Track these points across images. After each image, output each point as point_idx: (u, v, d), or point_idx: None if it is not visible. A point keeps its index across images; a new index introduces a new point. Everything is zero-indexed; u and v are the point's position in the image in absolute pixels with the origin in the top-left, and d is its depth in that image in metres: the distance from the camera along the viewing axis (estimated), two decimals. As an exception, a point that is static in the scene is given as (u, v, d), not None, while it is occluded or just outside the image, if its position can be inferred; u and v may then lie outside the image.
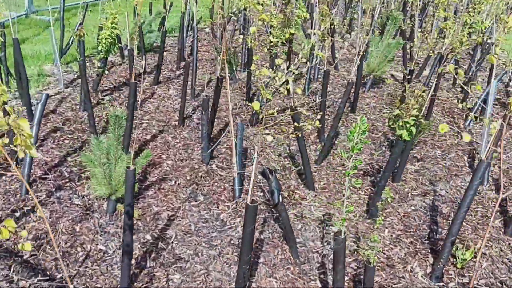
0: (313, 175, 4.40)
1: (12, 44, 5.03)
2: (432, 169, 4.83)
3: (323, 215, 3.97)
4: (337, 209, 4.07)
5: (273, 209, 3.94)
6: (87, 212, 3.75)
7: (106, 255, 3.35)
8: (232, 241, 3.56)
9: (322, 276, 3.32)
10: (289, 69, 5.08)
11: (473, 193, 3.19)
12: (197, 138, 5.15)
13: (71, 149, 4.70)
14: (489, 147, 3.19)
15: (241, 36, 8.38)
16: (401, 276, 3.34)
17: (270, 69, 4.01)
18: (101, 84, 6.32)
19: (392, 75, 7.77)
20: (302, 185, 4.39)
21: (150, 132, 5.19)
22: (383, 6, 8.80)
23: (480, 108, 6.12)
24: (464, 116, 6.29)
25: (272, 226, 3.78)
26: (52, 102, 5.81)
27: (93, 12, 11.36)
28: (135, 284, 3.11)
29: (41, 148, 4.60)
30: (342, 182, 4.49)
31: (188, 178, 4.37)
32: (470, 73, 8.07)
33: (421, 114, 3.75)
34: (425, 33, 10.28)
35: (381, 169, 4.75)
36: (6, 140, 1.65)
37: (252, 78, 7.19)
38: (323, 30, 5.21)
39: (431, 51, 6.98)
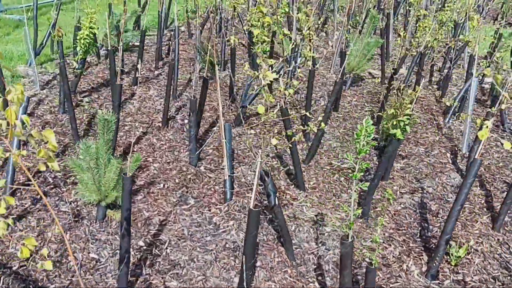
0: (302, 175, 4.38)
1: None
2: (418, 166, 4.88)
3: (316, 215, 3.97)
4: (329, 209, 4.07)
5: (266, 211, 3.90)
6: (76, 219, 3.64)
7: (99, 263, 3.25)
8: (227, 245, 3.51)
9: (320, 278, 3.31)
10: (274, 69, 5.05)
11: (467, 191, 3.24)
12: (182, 139, 5.07)
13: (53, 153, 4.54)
14: (481, 147, 3.24)
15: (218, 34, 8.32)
16: (397, 276, 3.37)
17: (252, 70, 3.98)
18: (79, 86, 6.16)
19: (370, 73, 7.84)
20: (292, 186, 4.37)
21: (134, 134, 5.08)
22: (358, 5, 8.86)
23: (458, 105, 6.22)
24: (442, 113, 6.40)
25: (266, 228, 3.75)
26: (29, 104, 5.63)
27: (64, 10, 11.07)
28: (131, 292, 3.03)
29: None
30: (331, 182, 4.50)
31: (177, 181, 4.29)
32: (446, 71, 8.22)
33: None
34: (400, 31, 10.43)
35: (369, 168, 4.78)
36: (24, 152, 1.57)
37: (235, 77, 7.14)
38: (308, 29, 5.20)
39: (407, 50, 7.08)
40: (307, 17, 5.20)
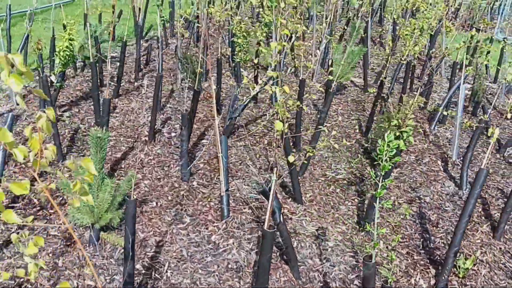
0: (300, 188, 4.28)
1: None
2: (411, 175, 4.85)
3: (317, 230, 3.86)
4: (329, 223, 3.97)
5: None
6: (68, 243, 3.43)
7: (96, 290, 3.06)
8: (230, 266, 3.37)
9: (328, 296, 3.21)
10: (263, 80, 4.95)
11: (474, 201, 3.19)
12: (170, 153, 4.90)
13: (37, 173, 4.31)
14: (488, 155, 3.20)
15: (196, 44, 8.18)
16: (406, 290, 3.29)
17: (235, 80, 3.88)
18: (58, 99, 5.91)
19: (351, 81, 7.82)
20: (289, 199, 4.26)
21: (119, 149, 4.88)
22: (334, 15, 8.86)
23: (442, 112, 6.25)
24: (427, 120, 6.42)
25: (267, 246, 3.61)
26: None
27: (34, 21, 10.72)
28: (134, 321, 2.85)
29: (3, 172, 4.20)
30: (328, 194, 4.40)
31: (169, 198, 4.12)
32: (426, 77, 8.28)
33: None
34: (382, 40, 10.49)
35: (363, 177, 4.72)
36: (53, 186, 1.41)
37: (215, 87, 7.00)
38: (295, 38, 5.12)
39: (388, 57, 7.09)
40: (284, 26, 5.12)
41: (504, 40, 8.54)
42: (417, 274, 3.44)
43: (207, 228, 3.76)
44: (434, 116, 6.24)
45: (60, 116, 5.53)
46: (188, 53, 7.45)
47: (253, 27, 8.49)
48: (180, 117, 4.30)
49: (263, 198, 4.20)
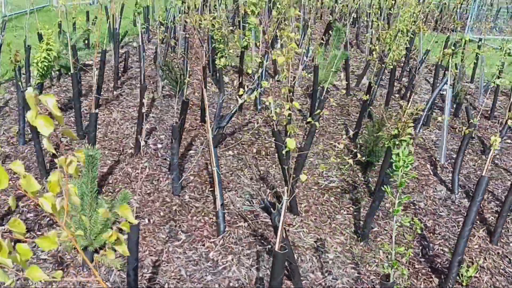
0: (296, 199, 4.20)
1: None
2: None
3: (315, 242, 3.79)
4: (327, 234, 3.90)
5: (264, 242, 3.69)
6: (60, 267, 3.26)
7: (94, 318, 2.92)
8: (231, 284, 3.26)
9: (334, 311, 3.13)
10: (249, 88, 4.85)
11: (476, 209, 3.18)
12: (158, 166, 4.76)
13: (19, 191, 4.11)
14: (489, 164, 3.19)
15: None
16: (412, 301, 3.25)
17: (216, 86, 3.79)
18: (36, 112, 5.68)
19: (333, 85, 7.80)
20: (277, 207, 4.17)
21: (105, 163, 4.71)
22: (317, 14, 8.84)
23: (426, 115, 6.27)
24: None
25: (267, 261, 3.52)
26: (-18, 136, 5.13)
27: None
28: None
29: (-16, 193, 3.99)
30: (322, 203, 4.34)
31: (162, 214, 3.99)
32: (404, 79, 8.34)
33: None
34: (358, 41, 10.53)
35: (356, 184, 4.68)
36: (113, 256, 1.28)
37: (195, 94, 6.88)
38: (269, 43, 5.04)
39: (375, 62, 7.10)
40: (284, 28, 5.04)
41: (480, 41, 8.66)
42: (420, 284, 3.40)
43: (203, 245, 3.65)
44: (417, 118, 6.26)
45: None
46: (167, 59, 7.30)
47: (232, 33, 8.40)
48: (171, 129, 4.18)
49: (258, 210, 4.11)
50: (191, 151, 5.10)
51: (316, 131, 5.87)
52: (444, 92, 7.94)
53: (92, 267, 1.32)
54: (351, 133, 5.48)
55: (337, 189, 4.57)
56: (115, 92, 6.75)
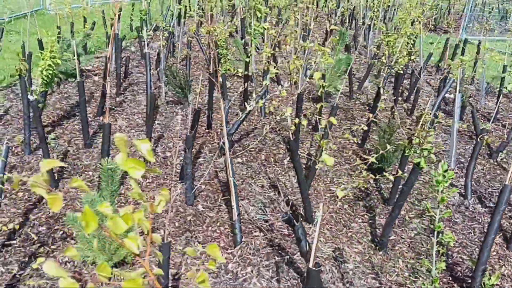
0: (311, 207, 4.16)
1: None
2: (415, 186, 4.81)
3: (333, 251, 3.75)
4: (344, 243, 3.87)
5: (280, 252, 3.64)
6: (80, 283, 3.18)
7: (117, 335, 2.85)
8: (253, 297, 3.21)
9: (359, 323, 3.10)
10: (257, 94, 4.81)
11: (499, 218, 3.16)
12: (167, 174, 4.70)
13: (29, 203, 4.04)
14: (511, 171, 3.17)
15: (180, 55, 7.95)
16: (436, 312, 3.22)
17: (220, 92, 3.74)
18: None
19: (335, 88, 7.77)
20: (301, 218, 4.13)
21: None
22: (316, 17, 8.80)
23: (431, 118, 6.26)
24: (416, 125, 6.42)
25: (287, 272, 3.48)
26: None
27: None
28: None
29: (-7, 206, 3.90)
30: (337, 211, 4.30)
31: (177, 224, 3.92)
32: (408, 83, 8.33)
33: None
34: (356, 43, 10.51)
35: (368, 191, 4.65)
36: (160, 272, 1.22)
37: (199, 100, 6.81)
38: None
39: (374, 64, 7.10)
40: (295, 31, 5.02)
41: (479, 42, 8.69)
42: (443, 294, 3.38)
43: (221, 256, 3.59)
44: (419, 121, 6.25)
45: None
46: (168, 64, 7.23)
47: (234, 37, 8.34)
48: (180, 137, 4.11)
49: (272, 219, 4.07)
50: (199, 159, 5.04)
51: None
52: (447, 95, 7.97)
53: None
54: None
55: (350, 197, 4.53)
56: (117, 99, 6.66)
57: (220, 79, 6.88)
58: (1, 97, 6.56)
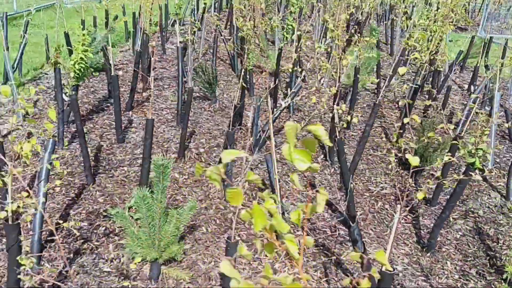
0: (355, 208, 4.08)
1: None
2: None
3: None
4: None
5: (325, 252, 3.56)
6: (125, 279, 3.13)
7: (170, 335, 2.78)
8: (305, 298, 3.13)
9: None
10: (292, 90, 4.73)
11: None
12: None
13: (68, 199, 3.97)
14: None
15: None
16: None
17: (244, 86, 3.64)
18: (69, 115, 5.53)
19: (362, 85, 7.67)
20: (341, 218, 4.05)
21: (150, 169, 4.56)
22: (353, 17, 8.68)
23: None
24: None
25: (335, 273, 3.40)
26: (16, 139, 4.97)
27: (13, 26, 10.15)
28: None
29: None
30: (378, 211, 4.22)
31: (218, 222, 3.85)
32: (429, 78, 8.22)
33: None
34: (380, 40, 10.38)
35: (408, 191, 4.56)
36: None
37: (225, 95, 6.74)
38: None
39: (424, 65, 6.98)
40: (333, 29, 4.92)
41: (506, 41, 8.56)
42: (498, 298, 3.30)
43: (266, 256, 3.52)
44: (458, 121, 6.15)
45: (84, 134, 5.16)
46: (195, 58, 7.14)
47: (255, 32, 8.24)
48: (227, 136, 4.04)
49: (313, 218, 3.99)
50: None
51: (355, 134, 5.77)
52: (479, 94, 7.86)
53: None
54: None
55: (391, 196, 4.45)
56: (144, 94, 6.60)
57: (233, 74, 6.80)
58: (27, 90, 6.49)
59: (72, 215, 3.77)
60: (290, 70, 6.24)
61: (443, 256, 3.69)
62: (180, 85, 5.52)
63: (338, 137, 3.73)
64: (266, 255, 3.51)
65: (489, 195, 4.60)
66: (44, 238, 3.45)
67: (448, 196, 3.70)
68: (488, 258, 3.72)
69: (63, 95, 5.05)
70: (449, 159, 3.34)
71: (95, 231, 3.60)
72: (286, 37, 5.77)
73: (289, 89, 6.71)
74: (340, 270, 3.42)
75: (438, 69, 5.78)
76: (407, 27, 7.44)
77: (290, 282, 0.99)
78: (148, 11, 7.29)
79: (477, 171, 4.37)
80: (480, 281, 3.45)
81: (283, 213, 3.66)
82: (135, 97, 6.46)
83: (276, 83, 6.10)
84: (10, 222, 2.30)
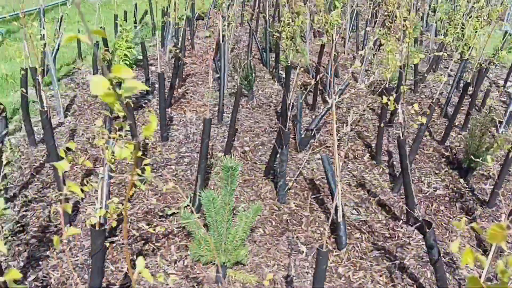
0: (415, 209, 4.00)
1: None
2: (507, 187, 4.62)
3: (443, 256, 3.58)
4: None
5: (388, 256, 3.49)
6: (194, 284, 3.07)
7: None
8: (375, 304, 3.07)
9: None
10: (340, 89, 4.63)
11: None
12: (250, 170, 4.56)
13: (122, 198, 3.92)
14: None
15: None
16: None
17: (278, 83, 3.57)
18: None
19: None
20: (395, 219, 3.97)
21: (196, 167, 4.51)
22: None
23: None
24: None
25: (401, 278, 3.32)
26: (61, 136, 4.94)
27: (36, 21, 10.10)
28: None
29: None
30: (435, 212, 4.13)
31: (274, 223, 3.79)
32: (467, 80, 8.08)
33: None
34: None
35: (461, 192, 4.46)
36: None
37: (259, 92, 6.66)
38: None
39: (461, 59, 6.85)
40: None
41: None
42: None
43: (328, 259, 3.45)
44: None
45: (119, 130, 5.10)
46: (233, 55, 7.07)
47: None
48: (282, 135, 3.96)
49: (370, 221, 3.91)
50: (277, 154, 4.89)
51: (399, 132, 5.65)
52: (510, 90, 7.72)
53: None
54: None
55: (445, 198, 4.35)
56: (179, 90, 6.53)
57: (265, 69, 6.69)
58: (63, 85, 6.46)
59: (129, 215, 3.73)
60: (359, 68, 6.17)
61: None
62: (222, 83, 5.44)
63: (401, 138, 3.64)
64: (328, 259, 3.44)
65: (546, 197, 4.50)
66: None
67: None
68: (553, 263, 3.62)
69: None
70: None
71: (151, 230, 3.55)
72: (329, 32, 5.64)
73: (327, 87, 6.62)
74: (406, 275, 3.34)
75: (484, 65, 5.64)
76: (441, 22, 7.29)
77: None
78: (177, 4, 7.21)
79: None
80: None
81: (343, 215, 3.58)
82: (166, 93, 6.40)
83: (317, 79, 6.00)
84: (97, 228, 2.25)
